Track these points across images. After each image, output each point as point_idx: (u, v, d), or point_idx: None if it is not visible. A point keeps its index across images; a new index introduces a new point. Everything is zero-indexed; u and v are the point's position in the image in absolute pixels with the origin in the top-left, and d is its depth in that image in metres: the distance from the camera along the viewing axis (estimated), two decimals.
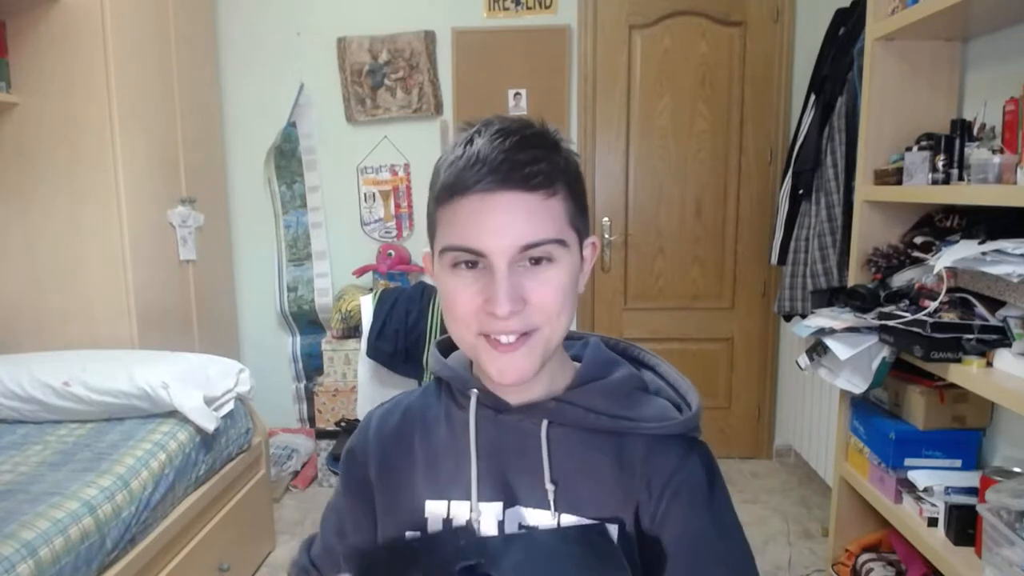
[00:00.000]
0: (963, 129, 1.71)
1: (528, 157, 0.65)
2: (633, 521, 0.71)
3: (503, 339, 0.68)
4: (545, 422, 0.74)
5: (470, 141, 0.67)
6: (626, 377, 0.77)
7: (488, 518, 0.74)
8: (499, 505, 0.74)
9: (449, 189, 0.67)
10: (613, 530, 0.71)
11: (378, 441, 0.81)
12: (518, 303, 0.66)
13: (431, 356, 0.84)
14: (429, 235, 0.73)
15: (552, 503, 0.72)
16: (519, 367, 0.69)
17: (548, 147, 0.68)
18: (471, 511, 0.74)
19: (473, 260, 0.67)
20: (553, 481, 0.72)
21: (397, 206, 3.26)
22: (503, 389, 0.74)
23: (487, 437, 0.76)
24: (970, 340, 1.52)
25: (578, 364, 0.79)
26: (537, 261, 0.67)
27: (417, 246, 3.22)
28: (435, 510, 0.76)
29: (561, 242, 0.68)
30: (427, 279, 2.97)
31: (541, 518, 0.72)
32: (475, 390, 0.76)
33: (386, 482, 0.80)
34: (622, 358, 0.82)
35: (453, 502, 0.75)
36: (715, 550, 0.70)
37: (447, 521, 0.75)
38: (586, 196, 0.74)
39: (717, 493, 0.73)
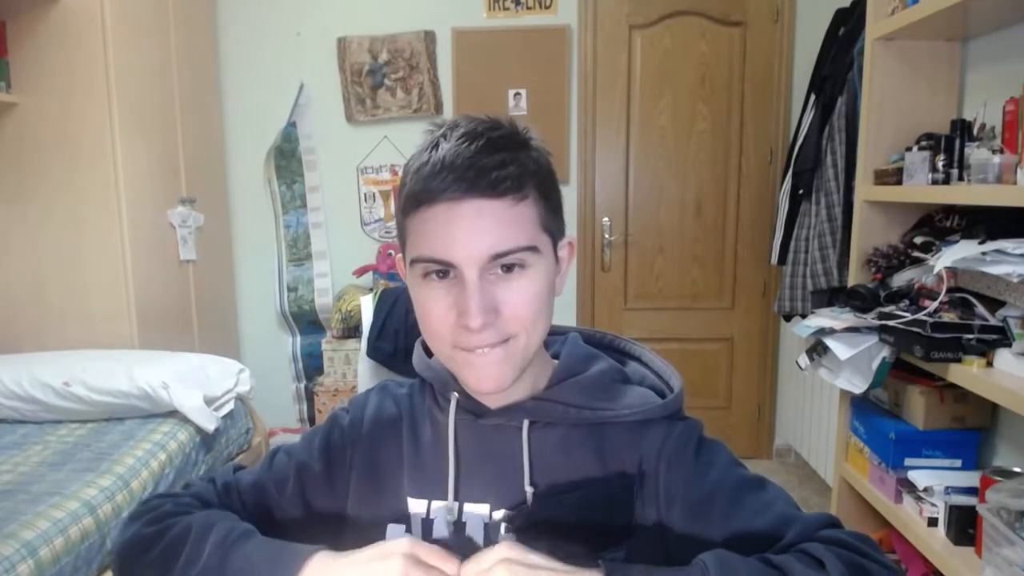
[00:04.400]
0: (963, 129, 1.71)
1: (495, 161, 0.63)
2: (629, 509, 0.71)
3: (479, 350, 0.67)
4: (526, 423, 0.73)
5: (435, 146, 0.65)
6: (604, 370, 0.76)
7: (475, 520, 0.74)
8: (486, 507, 0.74)
9: (415, 198, 0.65)
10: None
11: (371, 428, 0.80)
12: (490, 314, 0.65)
13: (415, 355, 0.82)
14: (399, 243, 0.71)
15: (530, 505, 0.72)
16: (496, 375, 0.68)
17: (516, 148, 0.66)
18: (450, 513, 0.74)
19: (443, 270, 0.65)
20: (533, 483, 0.72)
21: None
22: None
23: (469, 440, 0.75)
24: (970, 340, 1.52)
25: (557, 361, 0.78)
26: (509, 269, 0.66)
27: None
28: (416, 508, 0.76)
29: (533, 249, 0.66)
30: None
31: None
32: (455, 393, 0.76)
33: (369, 471, 0.79)
34: (607, 350, 0.82)
35: (434, 502, 0.75)
36: (728, 489, 0.69)
37: (426, 520, 0.75)
38: (560, 196, 0.72)
39: (707, 445, 0.72)
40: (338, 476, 0.79)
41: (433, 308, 0.67)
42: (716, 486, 0.69)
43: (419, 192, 0.64)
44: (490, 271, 0.65)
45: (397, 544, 0.61)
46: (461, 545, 0.71)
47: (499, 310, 0.65)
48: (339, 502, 0.79)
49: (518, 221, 0.65)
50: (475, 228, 0.63)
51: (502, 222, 0.64)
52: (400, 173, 3.24)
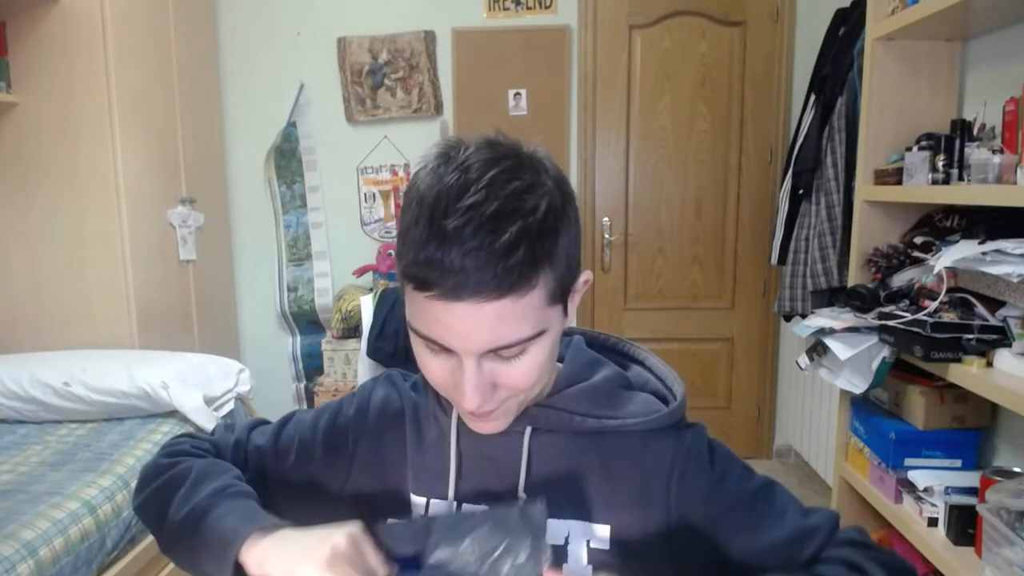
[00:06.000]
0: (963, 129, 1.71)
1: (502, 246, 0.56)
2: (636, 521, 0.71)
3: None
4: (528, 429, 0.73)
5: (436, 205, 0.57)
6: (608, 377, 0.75)
7: None
8: (484, 509, 0.74)
9: (410, 278, 0.60)
10: (604, 531, 0.71)
11: (377, 420, 0.81)
12: (487, 391, 0.63)
13: None
14: (397, 276, 0.66)
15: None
16: (493, 427, 0.69)
17: (528, 212, 0.58)
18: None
19: (441, 348, 0.63)
20: (527, 490, 0.72)
21: (397, 206, 3.25)
22: None
23: (471, 443, 0.75)
24: (970, 340, 1.52)
25: (561, 365, 0.77)
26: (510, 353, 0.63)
27: None
28: (415, 506, 0.77)
29: (537, 335, 0.62)
30: None
31: None
32: None
33: (372, 464, 0.79)
34: (610, 353, 0.81)
35: (433, 500, 0.76)
36: (746, 501, 0.70)
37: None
38: (578, 227, 0.65)
39: (718, 452, 0.73)
40: (337, 462, 0.80)
41: (431, 369, 0.65)
42: (735, 499, 0.70)
43: (415, 274, 0.59)
44: (489, 354, 0.62)
45: (346, 525, 0.65)
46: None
47: (496, 384, 0.64)
48: (335, 485, 0.80)
49: (522, 314, 0.59)
50: (473, 327, 0.59)
51: (506, 319, 0.59)
52: (400, 173, 3.24)
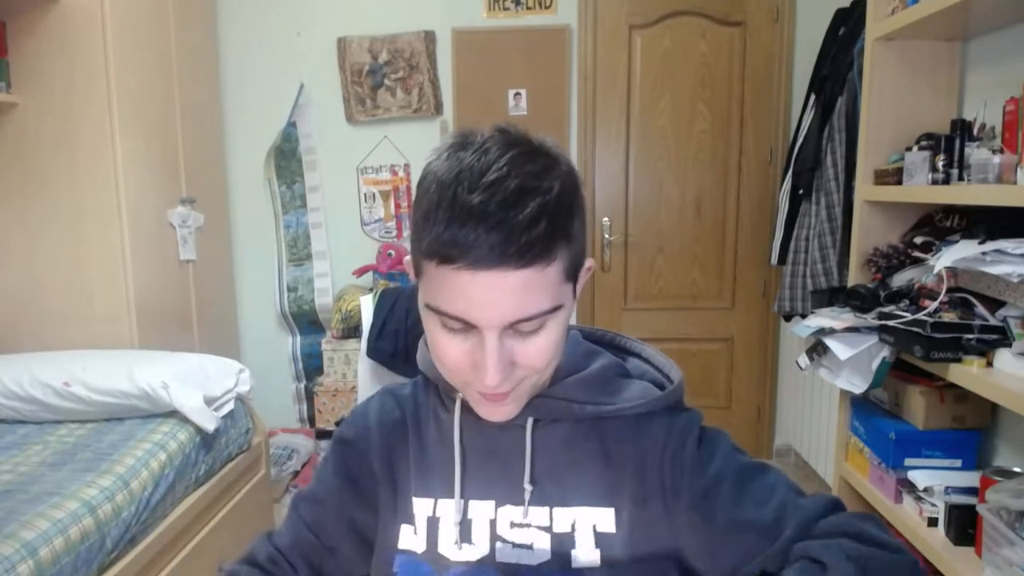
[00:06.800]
0: (963, 129, 1.71)
1: (526, 219, 0.58)
2: (636, 502, 0.71)
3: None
4: (530, 421, 0.74)
5: (459, 184, 0.60)
6: (605, 366, 0.77)
7: (481, 518, 0.74)
8: (491, 504, 0.75)
9: (434, 252, 0.61)
10: (609, 514, 0.71)
11: (381, 433, 0.81)
12: (507, 368, 0.64)
13: (419, 354, 0.82)
14: (413, 259, 0.68)
15: (526, 502, 0.73)
16: (506, 412, 0.69)
17: (546, 191, 0.60)
18: (456, 512, 0.75)
19: (462, 326, 0.64)
20: (532, 481, 0.73)
21: (397, 206, 3.26)
22: None
23: (475, 438, 0.76)
24: (970, 340, 1.52)
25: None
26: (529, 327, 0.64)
27: None
28: (422, 508, 0.76)
29: (556, 308, 0.64)
30: None
31: (532, 515, 0.73)
32: (460, 393, 0.76)
33: (390, 475, 0.79)
34: (607, 347, 0.82)
35: (440, 500, 0.76)
36: (732, 475, 0.70)
37: (432, 519, 0.76)
38: (583, 212, 0.67)
39: (709, 434, 0.73)
40: (369, 490, 0.80)
41: (448, 352, 0.66)
42: (720, 474, 0.70)
43: (439, 250, 0.60)
44: (509, 330, 0.64)
45: None
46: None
47: (515, 362, 0.65)
48: (372, 516, 0.80)
49: (543, 285, 0.62)
50: (498, 297, 0.60)
51: (528, 290, 0.61)
52: (400, 173, 3.24)
